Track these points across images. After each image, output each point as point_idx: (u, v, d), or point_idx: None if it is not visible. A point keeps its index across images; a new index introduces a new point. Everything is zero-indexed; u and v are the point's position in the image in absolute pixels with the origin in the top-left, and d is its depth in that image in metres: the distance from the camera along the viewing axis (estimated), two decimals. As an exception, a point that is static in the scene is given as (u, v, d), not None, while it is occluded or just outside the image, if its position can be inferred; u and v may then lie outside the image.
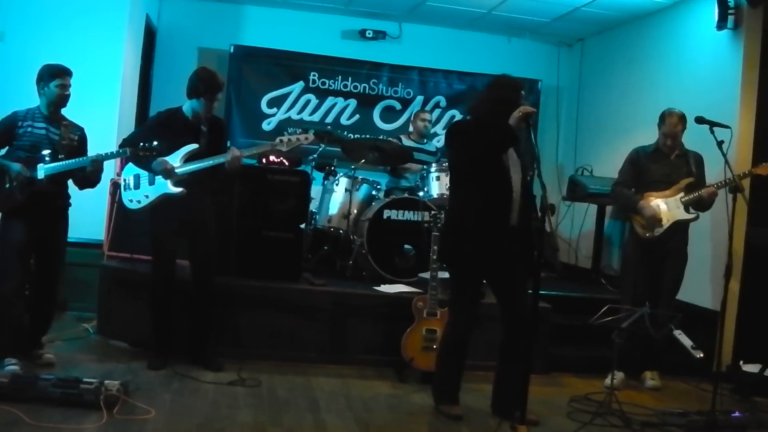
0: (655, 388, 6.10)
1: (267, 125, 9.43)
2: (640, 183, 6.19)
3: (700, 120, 5.51)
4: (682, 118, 6.03)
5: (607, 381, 5.98)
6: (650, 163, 6.13)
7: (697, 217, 6.05)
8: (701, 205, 6.05)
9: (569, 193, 8.58)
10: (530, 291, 4.50)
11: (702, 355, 5.90)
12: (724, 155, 5.18)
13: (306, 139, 5.63)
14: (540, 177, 4.48)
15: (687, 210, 6.03)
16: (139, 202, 5.53)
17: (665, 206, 6.04)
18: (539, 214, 4.48)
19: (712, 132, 5.29)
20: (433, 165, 7.41)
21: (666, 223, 6.00)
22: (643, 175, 6.18)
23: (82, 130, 5.33)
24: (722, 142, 5.21)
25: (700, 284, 6.66)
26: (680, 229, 6.07)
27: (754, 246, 6.63)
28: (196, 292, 5.56)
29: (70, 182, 5.30)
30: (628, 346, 5.72)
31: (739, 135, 6.43)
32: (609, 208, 8.36)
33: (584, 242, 8.98)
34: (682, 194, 6.01)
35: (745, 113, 6.72)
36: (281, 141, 5.60)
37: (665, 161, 6.10)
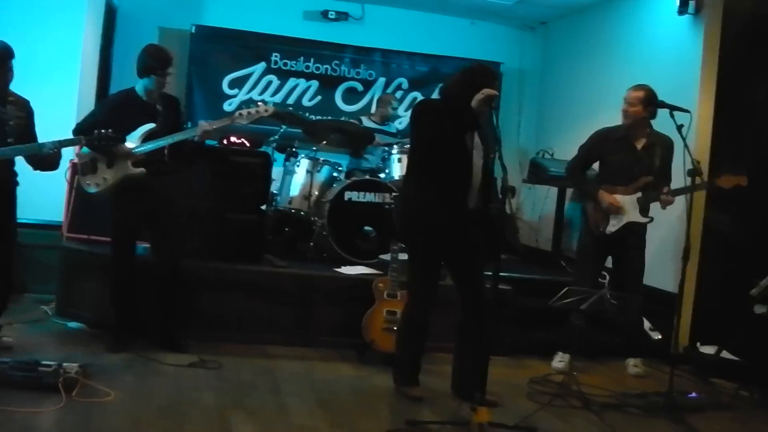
0: (639, 376, 6.08)
1: (228, 106, 9.39)
2: (600, 172, 6.14)
3: (660, 104, 5.55)
4: (643, 93, 5.79)
5: (555, 363, 6.06)
6: (614, 151, 5.97)
7: (650, 221, 5.99)
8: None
9: (530, 176, 8.61)
10: (490, 273, 4.49)
11: (660, 336, 6.01)
12: (684, 139, 5.18)
13: (266, 110, 5.55)
14: (501, 159, 4.46)
15: (643, 212, 5.93)
16: (97, 185, 5.44)
17: (621, 204, 5.94)
18: (500, 196, 4.50)
19: (672, 116, 5.30)
20: (395, 146, 7.41)
21: (617, 223, 5.93)
22: (604, 162, 6.09)
23: (27, 103, 5.10)
24: (682, 126, 5.20)
25: (661, 267, 6.73)
26: (635, 230, 5.96)
27: (712, 228, 6.68)
28: (161, 274, 5.49)
29: (20, 160, 5.07)
30: (582, 327, 5.78)
31: (698, 119, 6.45)
32: (569, 191, 8.39)
33: (545, 225, 9.04)
34: (639, 194, 5.91)
35: (705, 97, 6.78)
36: (240, 114, 5.56)
37: (630, 152, 5.93)
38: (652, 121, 5.93)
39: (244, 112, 5.55)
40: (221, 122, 5.63)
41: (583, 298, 5.22)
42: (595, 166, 6.26)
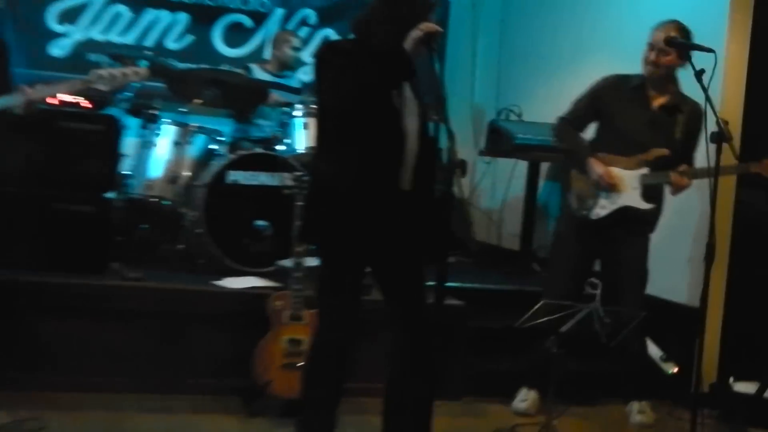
0: (646, 426, 6.15)
1: (58, 49, 9.27)
2: (597, 135, 6.22)
3: (671, 41, 5.60)
4: (680, 30, 5.88)
5: (516, 403, 6.19)
6: (623, 109, 6.08)
7: (656, 209, 6.10)
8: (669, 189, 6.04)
9: (489, 145, 8.70)
10: (433, 283, 4.42)
11: (676, 369, 6.06)
12: (705, 91, 5.14)
13: (136, 74, 5.44)
14: (447, 123, 4.36)
15: (645, 196, 6.00)
16: None
17: (616, 178, 6.03)
18: (445, 174, 4.37)
19: (689, 58, 5.33)
20: (299, 106, 7.38)
21: (608, 205, 6.03)
22: (606, 122, 6.18)
23: None
24: (703, 71, 5.16)
25: (671, 271, 6.73)
26: (633, 219, 6.07)
27: (747, 216, 6.76)
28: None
29: None
30: (562, 357, 5.68)
31: (727, 62, 6.51)
32: (546, 167, 8.46)
33: (510, 213, 9.14)
34: (645, 170, 5.99)
35: (737, 32, 6.80)
36: (99, 76, 5.40)
37: (644, 112, 6.03)
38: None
39: (105, 72, 5.37)
40: (59, 87, 5.51)
41: (565, 316, 5.25)
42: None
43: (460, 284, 6.91)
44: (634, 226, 6.07)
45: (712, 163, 5.13)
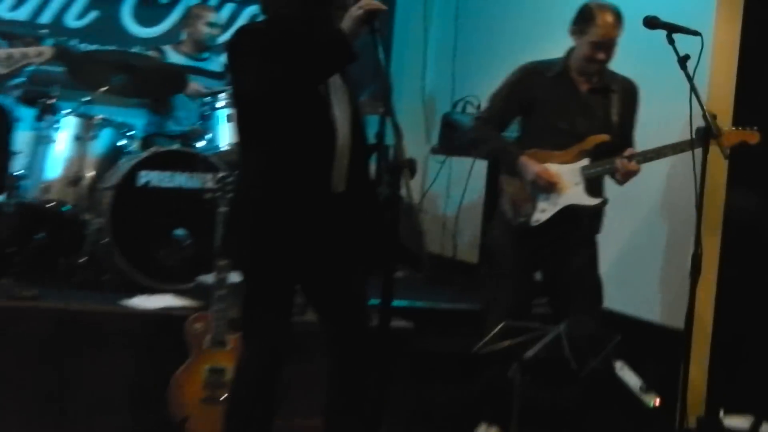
0: None
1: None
2: (525, 130, 6.26)
3: (652, 22, 5.45)
4: (620, 20, 5.97)
5: None
6: (549, 96, 6.09)
7: (603, 203, 6.10)
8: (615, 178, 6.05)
9: (443, 142, 8.80)
10: (377, 301, 4.34)
11: (658, 401, 6.05)
12: (691, 80, 5.12)
13: (39, 54, 5.46)
14: (393, 116, 4.29)
15: (589, 190, 6.00)
16: None
17: (555, 176, 6.03)
18: (391, 175, 4.28)
19: (672, 42, 5.25)
20: (222, 95, 7.45)
21: (549, 207, 6.00)
22: (531, 115, 6.21)
23: None
24: (688, 57, 5.17)
25: (641, 284, 6.81)
26: (579, 219, 6.08)
27: (739, 219, 6.73)
28: None
29: None
30: (526, 387, 5.58)
31: (714, 47, 6.47)
32: None
33: (468, 221, 9.15)
34: (585, 161, 6.01)
35: (726, 12, 6.77)
36: None
37: (573, 96, 6.07)
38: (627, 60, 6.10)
39: (2, 53, 5.37)
40: None
41: (531, 339, 5.18)
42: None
43: (409, 303, 6.96)
44: (579, 230, 6.08)
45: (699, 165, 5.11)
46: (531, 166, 5.95)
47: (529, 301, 6.12)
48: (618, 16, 5.98)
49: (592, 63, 6.00)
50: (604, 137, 5.94)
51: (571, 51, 6.07)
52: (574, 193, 5.95)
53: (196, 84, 7.98)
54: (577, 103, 6.03)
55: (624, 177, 5.87)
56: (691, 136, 5.26)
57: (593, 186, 5.98)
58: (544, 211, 5.97)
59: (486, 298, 6.39)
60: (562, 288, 6.14)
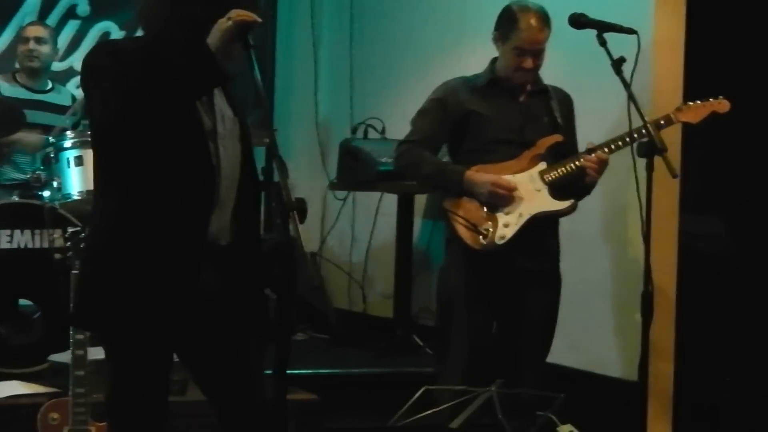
0: None
1: None
2: (462, 151, 6.09)
3: (578, 21, 5.56)
4: (547, 22, 5.86)
5: None
6: (486, 107, 5.96)
7: (573, 208, 5.86)
8: (576, 186, 5.88)
9: (343, 175, 8.68)
10: (271, 371, 4.13)
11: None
12: (628, 86, 5.20)
13: None
14: (274, 148, 4.10)
15: (555, 193, 5.81)
16: None
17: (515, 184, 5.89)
18: (281, 220, 4.04)
19: (603, 43, 5.35)
20: (69, 133, 7.32)
21: (514, 220, 5.79)
22: (470, 129, 6.05)
23: None
24: (623, 60, 5.20)
25: (594, 335, 6.85)
26: (544, 229, 5.93)
27: (696, 251, 6.77)
28: None
29: None
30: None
31: (654, 46, 6.53)
32: (422, 200, 8.48)
33: (378, 268, 9.20)
34: (542, 165, 5.86)
35: (667, 7, 6.77)
36: None
37: (510, 104, 5.98)
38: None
39: None
40: None
41: (458, 405, 5.17)
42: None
43: (312, 371, 6.96)
44: (545, 257, 5.98)
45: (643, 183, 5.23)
46: (481, 177, 5.81)
47: (488, 357, 5.87)
48: (544, 18, 5.94)
49: (520, 72, 5.95)
50: (558, 137, 5.89)
51: (494, 61, 6.03)
52: (539, 199, 5.83)
53: (34, 133, 7.66)
54: (518, 109, 5.98)
55: (597, 169, 5.72)
56: (632, 149, 5.37)
57: (557, 190, 5.83)
58: (508, 225, 5.80)
59: (439, 347, 6.20)
60: (511, 332, 5.99)
